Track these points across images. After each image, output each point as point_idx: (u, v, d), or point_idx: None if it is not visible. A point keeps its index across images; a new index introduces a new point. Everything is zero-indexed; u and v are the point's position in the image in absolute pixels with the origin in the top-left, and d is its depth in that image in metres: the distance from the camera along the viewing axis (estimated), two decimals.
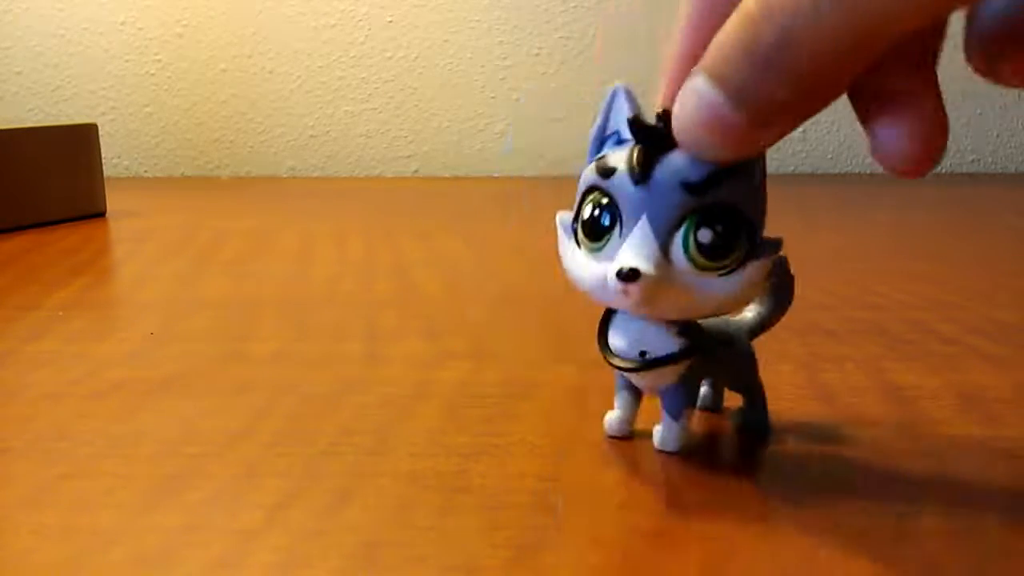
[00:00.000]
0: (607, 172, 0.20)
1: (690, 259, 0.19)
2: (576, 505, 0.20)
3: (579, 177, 0.21)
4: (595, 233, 0.20)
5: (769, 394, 0.24)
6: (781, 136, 0.17)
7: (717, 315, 0.21)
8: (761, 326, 0.24)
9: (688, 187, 0.19)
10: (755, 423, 0.24)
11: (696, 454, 0.23)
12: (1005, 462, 0.22)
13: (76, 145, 0.64)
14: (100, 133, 0.66)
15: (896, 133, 0.18)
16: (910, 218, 0.65)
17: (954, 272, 0.45)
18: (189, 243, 0.55)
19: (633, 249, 0.19)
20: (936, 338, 0.33)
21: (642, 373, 0.22)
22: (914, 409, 0.26)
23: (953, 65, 0.20)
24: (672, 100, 0.19)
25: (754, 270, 0.20)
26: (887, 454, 0.23)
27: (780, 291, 0.24)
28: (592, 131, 0.21)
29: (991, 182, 0.90)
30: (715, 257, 0.19)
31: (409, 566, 0.18)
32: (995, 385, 0.28)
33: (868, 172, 0.98)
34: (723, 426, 0.25)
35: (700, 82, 0.17)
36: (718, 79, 0.17)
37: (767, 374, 0.24)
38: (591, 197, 0.20)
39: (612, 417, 0.24)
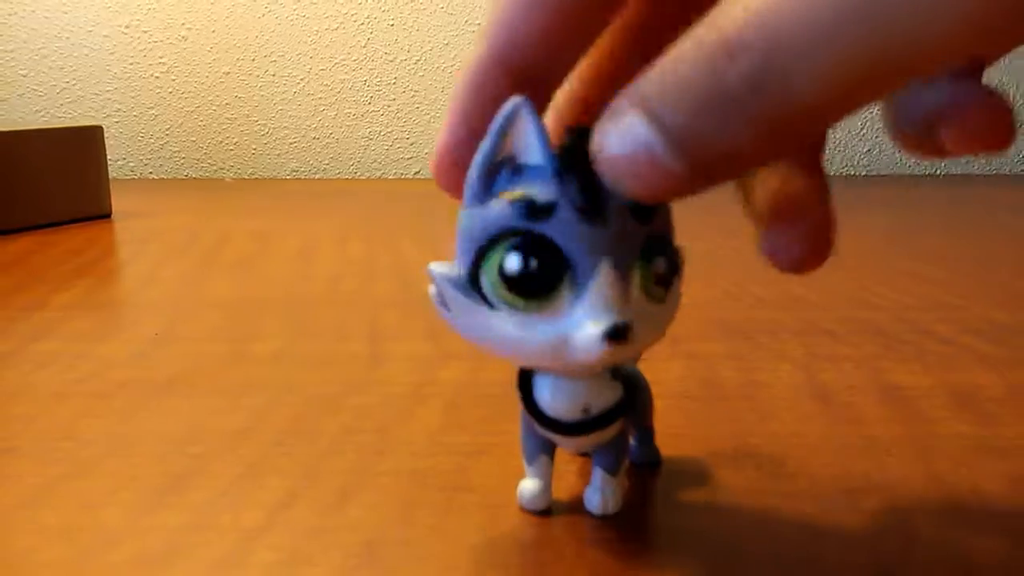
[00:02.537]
0: (539, 211, 0.16)
1: (648, 294, 0.17)
2: (575, 504, 0.20)
3: (467, 217, 0.17)
4: (532, 289, 0.16)
5: (767, 394, 0.24)
6: (718, 186, 0.15)
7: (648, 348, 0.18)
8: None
9: (637, 215, 0.16)
10: (648, 456, 0.23)
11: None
12: (999, 461, 0.23)
13: (81, 147, 0.64)
14: (105, 135, 0.66)
15: (788, 239, 0.17)
16: (907, 219, 0.65)
17: (951, 272, 0.45)
18: (193, 244, 0.55)
19: (610, 301, 0.16)
20: (933, 338, 0.33)
21: (586, 434, 0.18)
22: (910, 409, 0.26)
23: None
24: (462, 119, 0.17)
25: (677, 288, 0.18)
26: (883, 454, 0.23)
27: None
28: (477, 158, 0.16)
29: (988, 183, 0.90)
30: (667, 286, 0.17)
31: (411, 564, 0.18)
32: (990, 385, 0.28)
33: (864, 174, 0.98)
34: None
35: (634, 121, 0.14)
36: (657, 121, 0.14)
37: (765, 374, 0.24)
38: (508, 243, 0.16)
39: (529, 488, 0.20)
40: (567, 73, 0.19)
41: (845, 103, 0.13)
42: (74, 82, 0.97)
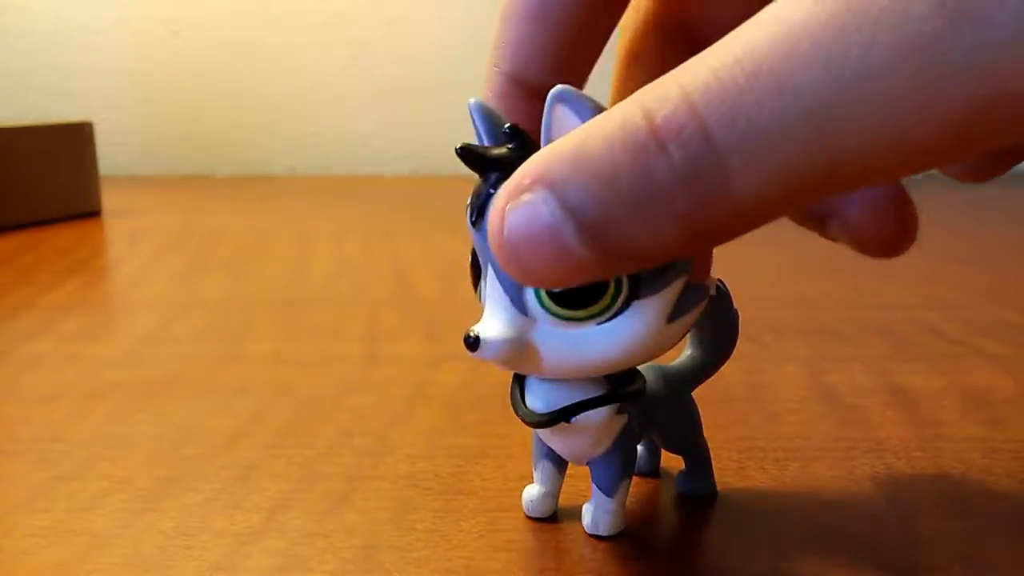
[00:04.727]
0: (477, 218, 0.16)
1: (546, 309, 0.16)
2: (575, 506, 0.20)
3: None
4: (475, 285, 0.17)
5: (772, 396, 0.24)
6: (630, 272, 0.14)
7: (615, 370, 0.17)
8: (703, 374, 0.20)
9: None
10: (698, 489, 0.21)
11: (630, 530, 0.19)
12: (1010, 464, 0.22)
13: (71, 143, 0.63)
14: (95, 131, 0.66)
15: (863, 216, 0.16)
16: None
17: (960, 272, 0.44)
18: (186, 242, 0.54)
19: (488, 308, 0.16)
20: (942, 339, 0.33)
21: (563, 434, 0.18)
22: (919, 410, 0.26)
23: None
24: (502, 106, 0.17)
25: (646, 312, 0.16)
26: (891, 457, 0.23)
27: (722, 332, 0.20)
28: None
29: (997, 182, 0.90)
30: (573, 304, 0.16)
31: (409, 569, 0.17)
32: (1001, 386, 0.28)
33: None
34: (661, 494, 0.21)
35: (540, 198, 0.13)
36: (566, 204, 0.12)
37: (772, 376, 0.24)
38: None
39: (532, 493, 0.20)
40: (582, 80, 0.18)
41: (785, 206, 0.12)
42: (64, 78, 0.97)
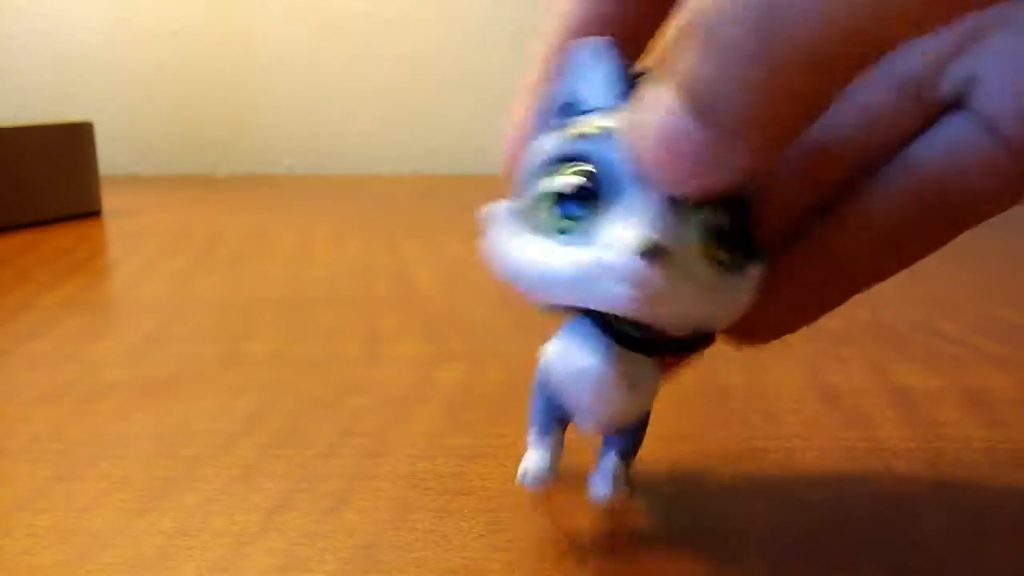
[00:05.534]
0: (590, 135, 0.15)
1: (710, 256, 0.15)
2: (576, 507, 0.20)
3: (529, 149, 0.16)
4: (579, 210, 0.15)
5: (773, 396, 0.24)
6: (753, 165, 0.13)
7: (716, 327, 0.16)
8: None
9: None
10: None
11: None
12: (1011, 465, 0.22)
13: (71, 143, 0.63)
14: (95, 131, 0.65)
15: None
16: None
17: (960, 271, 0.44)
18: (186, 242, 0.54)
19: (640, 221, 0.14)
20: (941, 338, 0.33)
21: (632, 392, 0.16)
22: (919, 410, 0.26)
23: None
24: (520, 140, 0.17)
25: (756, 273, 0.16)
26: (891, 457, 0.23)
27: None
28: (550, 95, 0.16)
29: None
30: (730, 247, 0.15)
31: (408, 569, 0.17)
32: (1001, 386, 0.28)
33: None
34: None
35: (653, 90, 0.13)
36: (680, 84, 0.13)
37: (771, 376, 0.24)
38: (562, 168, 0.15)
39: (539, 465, 0.18)
40: (641, 53, 0.18)
41: (856, 37, 0.11)
42: (64, 77, 0.97)
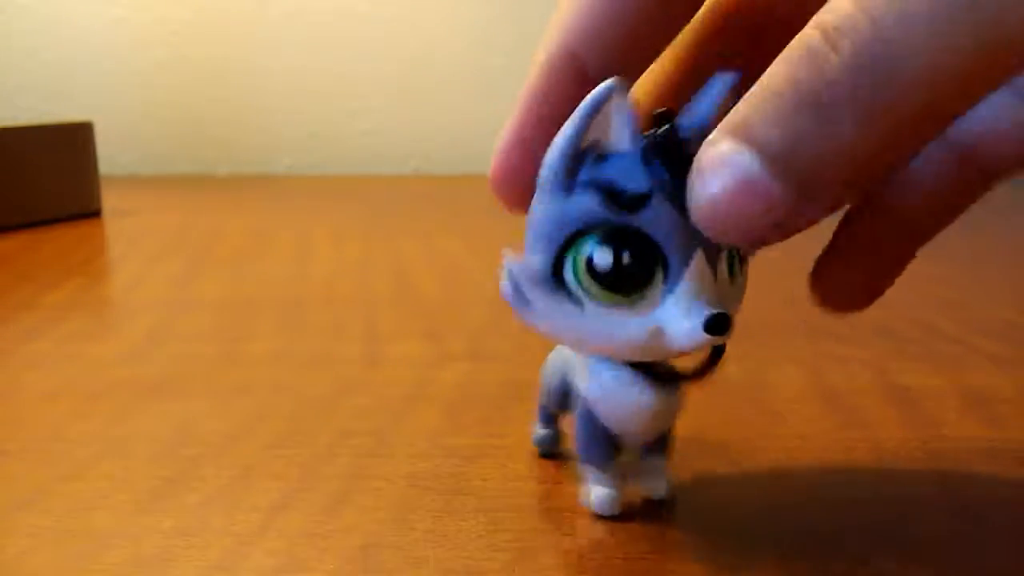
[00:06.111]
0: (630, 202, 0.15)
1: (731, 274, 0.17)
2: (576, 506, 0.20)
3: (546, 208, 0.16)
4: (625, 284, 0.15)
5: (773, 395, 0.24)
6: (826, 214, 0.13)
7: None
8: None
9: None
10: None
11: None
12: (1010, 465, 0.22)
13: (71, 143, 0.63)
14: (95, 131, 0.66)
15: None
16: None
17: (960, 270, 0.44)
18: (186, 242, 0.54)
19: (704, 291, 0.15)
20: (942, 338, 0.33)
21: (670, 407, 0.18)
22: (919, 410, 0.26)
23: None
24: (531, 118, 0.17)
25: (747, 268, 0.18)
26: (891, 457, 0.23)
27: None
28: (560, 143, 0.15)
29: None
30: (740, 255, 0.17)
31: (408, 569, 0.17)
32: (1001, 386, 0.28)
33: None
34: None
35: (727, 147, 0.13)
36: (751, 140, 0.12)
37: (771, 375, 0.24)
38: (596, 236, 0.15)
39: (610, 496, 0.19)
40: (644, 69, 0.18)
41: (963, 88, 0.11)
42: (64, 77, 0.97)
